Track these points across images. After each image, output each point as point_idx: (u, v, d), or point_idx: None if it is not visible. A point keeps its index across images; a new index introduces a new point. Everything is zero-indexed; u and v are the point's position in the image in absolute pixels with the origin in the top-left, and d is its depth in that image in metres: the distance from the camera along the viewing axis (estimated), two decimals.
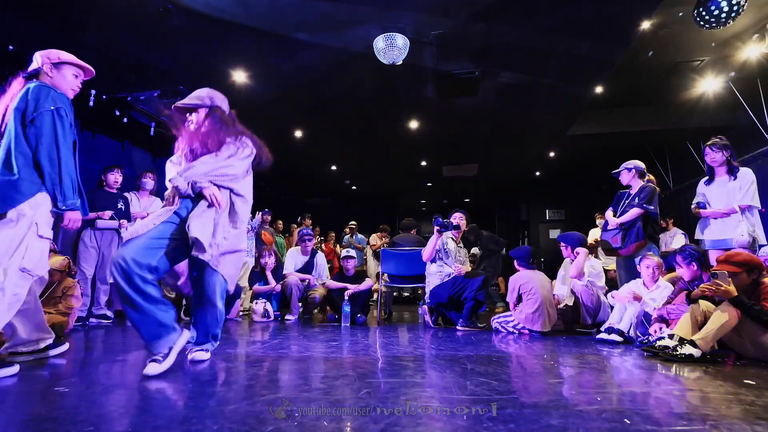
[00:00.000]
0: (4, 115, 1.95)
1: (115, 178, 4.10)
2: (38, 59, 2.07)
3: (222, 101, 2.26)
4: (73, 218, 2.00)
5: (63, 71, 2.10)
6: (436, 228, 4.01)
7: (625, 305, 3.14)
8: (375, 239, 6.89)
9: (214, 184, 2.05)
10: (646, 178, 3.75)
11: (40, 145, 1.87)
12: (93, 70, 2.23)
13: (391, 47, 4.10)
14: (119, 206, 4.03)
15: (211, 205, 2.01)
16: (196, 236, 1.90)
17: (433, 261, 4.08)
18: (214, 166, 2.07)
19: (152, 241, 1.89)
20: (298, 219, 7.41)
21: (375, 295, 4.98)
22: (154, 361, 1.78)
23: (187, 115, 2.19)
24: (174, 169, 2.13)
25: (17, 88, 2.00)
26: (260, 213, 5.55)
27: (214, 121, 2.15)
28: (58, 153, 1.90)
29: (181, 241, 1.98)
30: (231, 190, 2.11)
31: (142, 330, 1.82)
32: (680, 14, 3.95)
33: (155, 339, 1.82)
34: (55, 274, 3.06)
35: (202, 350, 2.09)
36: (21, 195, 1.81)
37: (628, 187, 3.79)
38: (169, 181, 2.07)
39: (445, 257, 4.05)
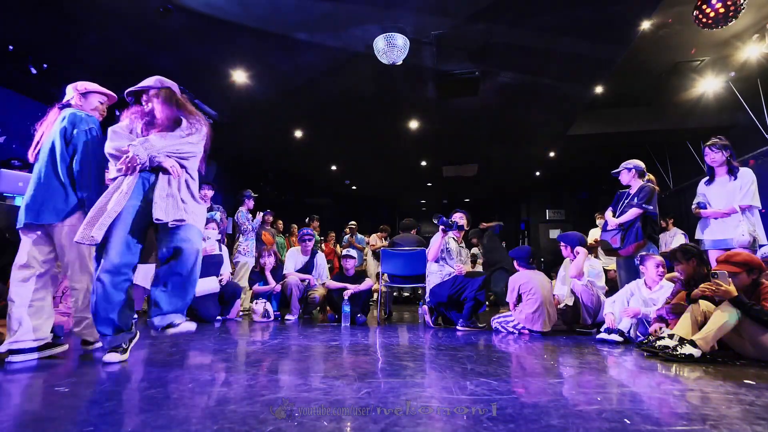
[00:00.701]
0: (39, 141, 2.31)
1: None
2: (69, 91, 2.43)
3: (172, 84, 2.31)
4: None
5: (90, 99, 2.46)
6: (441, 228, 4.00)
7: (627, 302, 3.15)
8: (375, 239, 6.89)
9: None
10: (646, 177, 3.75)
11: (75, 159, 2.23)
12: (116, 96, 2.55)
13: (391, 47, 4.09)
14: None
15: (170, 178, 2.10)
16: (167, 214, 2.02)
17: (435, 261, 4.08)
18: (172, 142, 2.15)
19: (128, 240, 2.01)
20: (306, 220, 7.41)
21: (375, 295, 4.98)
22: (115, 351, 2.01)
23: (143, 97, 2.24)
24: (119, 138, 2.11)
25: (53, 117, 2.34)
26: (261, 213, 5.55)
27: (166, 100, 2.21)
28: (90, 165, 2.25)
29: (147, 219, 2.06)
30: (185, 169, 2.19)
31: (111, 313, 1.98)
32: (669, 20, 3.95)
33: (120, 332, 2.04)
34: None
35: (173, 324, 2.05)
36: (70, 209, 2.20)
37: (628, 186, 3.79)
38: (128, 147, 2.06)
39: (448, 257, 4.05)
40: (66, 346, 2.32)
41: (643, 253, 3.40)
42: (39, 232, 2.19)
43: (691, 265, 2.81)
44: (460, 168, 8.84)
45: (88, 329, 2.34)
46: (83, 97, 2.44)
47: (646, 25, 4.08)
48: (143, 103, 2.24)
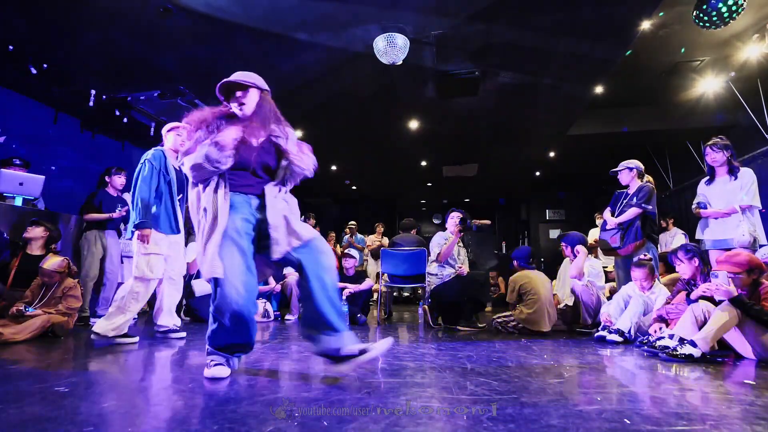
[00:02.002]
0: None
1: (122, 181, 4.18)
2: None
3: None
4: (140, 233, 2.72)
5: (167, 137, 3.04)
6: (458, 228, 4.00)
7: (626, 302, 3.15)
8: (373, 239, 6.89)
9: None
10: (645, 179, 3.76)
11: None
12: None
13: (391, 47, 4.09)
14: (118, 209, 4.07)
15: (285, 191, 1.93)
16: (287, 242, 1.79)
17: (444, 262, 4.07)
18: (300, 151, 1.93)
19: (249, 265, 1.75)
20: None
21: (375, 295, 4.98)
22: (219, 365, 1.76)
23: (237, 93, 1.92)
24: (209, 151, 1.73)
25: None
26: None
27: (265, 105, 1.94)
28: (137, 186, 2.79)
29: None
30: None
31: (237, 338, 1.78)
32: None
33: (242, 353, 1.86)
34: (55, 274, 3.06)
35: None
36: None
37: (626, 186, 3.79)
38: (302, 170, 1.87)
39: (450, 258, 4.05)
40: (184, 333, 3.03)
41: (640, 256, 3.40)
42: None
43: (693, 265, 2.81)
44: (460, 168, 8.83)
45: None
46: (165, 137, 3.04)
47: (646, 25, 4.08)
48: (237, 101, 1.91)
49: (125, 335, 2.68)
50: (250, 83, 1.91)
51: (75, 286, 3.16)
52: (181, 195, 3.03)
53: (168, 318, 3.01)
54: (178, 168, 3.03)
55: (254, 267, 1.77)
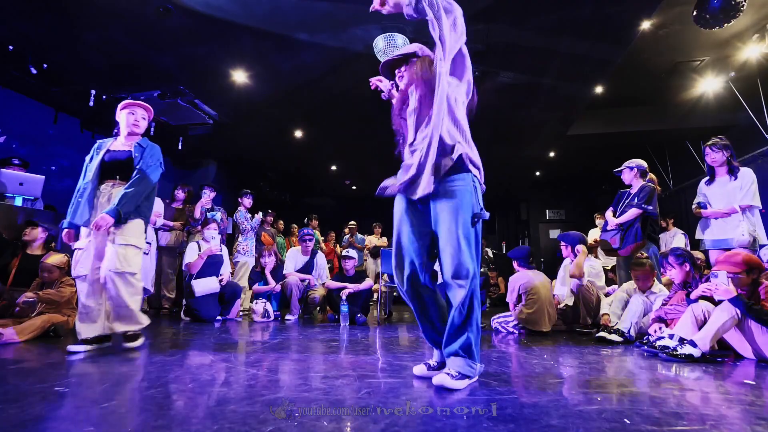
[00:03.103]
0: None
1: None
2: None
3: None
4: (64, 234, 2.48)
5: (120, 117, 2.63)
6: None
7: (627, 302, 3.15)
8: (373, 240, 6.87)
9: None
10: (648, 177, 3.75)
11: None
12: (145, 104, 2.68)
13: (391, 47, 4.09)
14: None
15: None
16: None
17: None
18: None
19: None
20: (306, 220, 7.41)
21: (375, 295, 4.98)
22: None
23: (396, 71, 1.94)
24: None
25: None
26: (260, 213, 5.54)
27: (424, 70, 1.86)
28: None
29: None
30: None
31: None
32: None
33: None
34: (55, 269, 3.06)
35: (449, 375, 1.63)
36: None
37: (629, 186, 3.79)
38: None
39: None
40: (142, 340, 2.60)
41: (637, 255, 3.41)
42: None
43: (684, 270, 2.81)
44: None
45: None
46: (120, 114, 2.65)
47: (646, 25, 4.08)
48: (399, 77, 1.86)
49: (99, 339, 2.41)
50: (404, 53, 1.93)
51: (73, 285, 3.16)
52: (118, 180, 2.52)
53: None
54: (125, 149, 2.56)
55: None
